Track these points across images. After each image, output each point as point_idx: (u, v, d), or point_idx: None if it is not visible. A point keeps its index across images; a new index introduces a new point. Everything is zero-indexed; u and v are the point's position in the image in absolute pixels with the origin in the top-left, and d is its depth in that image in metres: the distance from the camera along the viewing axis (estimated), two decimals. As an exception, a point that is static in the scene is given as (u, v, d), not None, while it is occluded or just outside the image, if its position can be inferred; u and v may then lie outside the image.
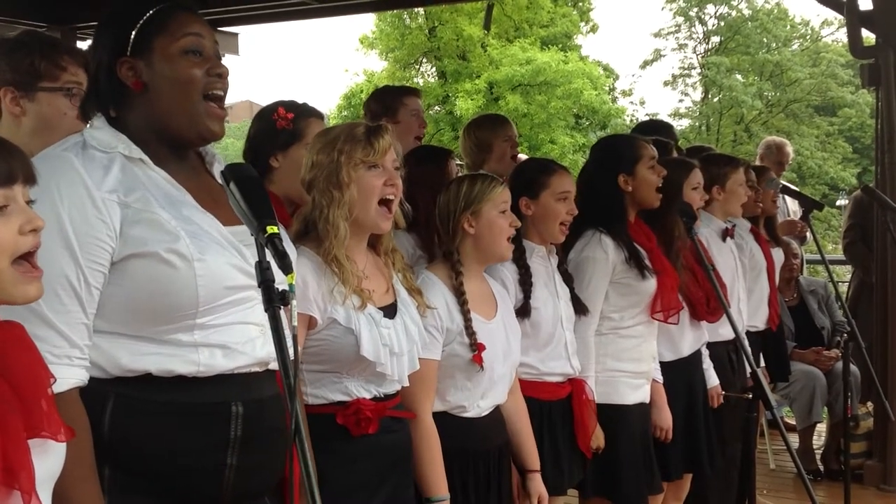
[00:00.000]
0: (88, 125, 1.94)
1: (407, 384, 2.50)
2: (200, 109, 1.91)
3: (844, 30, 5.74)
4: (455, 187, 2.95)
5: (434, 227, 3.02)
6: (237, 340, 1.87)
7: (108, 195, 1.78)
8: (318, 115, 2.95)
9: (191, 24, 1.93)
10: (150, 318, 1.80)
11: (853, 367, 5.60)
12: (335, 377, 2.37)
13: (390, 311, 2.46)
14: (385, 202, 2.41)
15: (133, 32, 1.90)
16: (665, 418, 3.66)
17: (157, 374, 1.80)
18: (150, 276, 1.78)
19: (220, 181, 1.96)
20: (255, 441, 1.88)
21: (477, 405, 2.85)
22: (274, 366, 1.94)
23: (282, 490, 2.01)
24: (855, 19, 5.48)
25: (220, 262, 1.84)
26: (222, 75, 1.94)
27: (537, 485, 3.01)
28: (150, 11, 1.91)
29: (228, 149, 31.61)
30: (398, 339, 2.40)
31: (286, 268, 1.58)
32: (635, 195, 3.52)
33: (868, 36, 5.61)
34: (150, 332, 1.80)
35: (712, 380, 4.00)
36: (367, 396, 2.39)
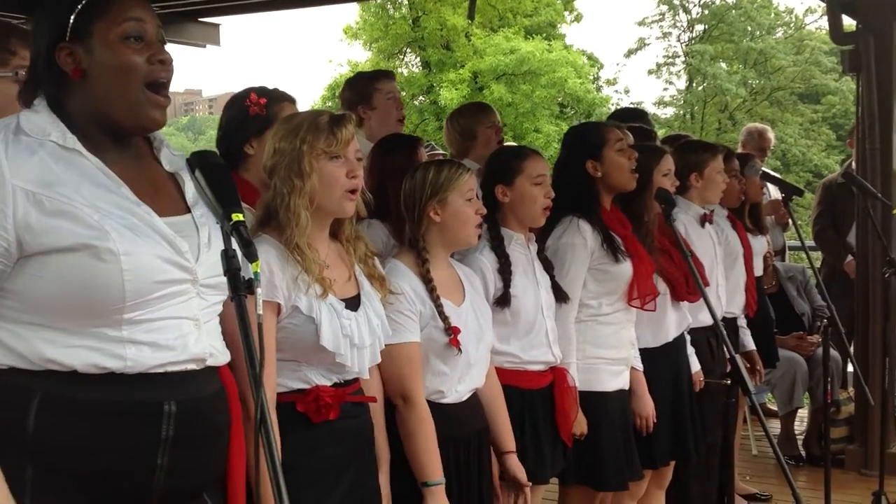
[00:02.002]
0: (30, 108, 1.89)
1: (367, 377, 2.50)
2: (141, 98, 1.85)
3: (827, 17, 5.75)
4: (421, 174, 2.92)
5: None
6: (169, 336, 1.81)
7: (22, 184, 1.73)
8: (291, 100, 2.93)
9: (132, 8, 1.87)
10: (75, 312, 1.74)
11: (833, 353, 5.63)
12: (294, 365, 2.36)
13: (354, 303, 2.45)
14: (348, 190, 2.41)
15: (72, 17, 1.84)
16: (645, 406, 3.66)
17: (83, 370, 1.74)
18: (74, 271, 1.72)
19: (167, 168, 1.94)
20: (190, 440, 1.83)
21: (455, 390, 2.85)
22: (213, 362, 1.91)
23: (225, 486, 1.97)
24: (835, 6, 5.49)
25: (150, 255, 1.78)
26: (165, 62, 1.88)
27: (514, 465, 3.01)
28: None
29: (213, 141, 31.48)
30: (359, 332, 2.39)
31: (251, 255, 1.57)
32: (607, 180, 3.52)
33: (849, 23, 5.62)
34: (75, 326, 1.75)
35: (695, 365, 4.01)
36: (328, 384, 2.39)
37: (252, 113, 2.82)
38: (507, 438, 3.03)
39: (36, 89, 1.89)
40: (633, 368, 3.63)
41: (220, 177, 1.70)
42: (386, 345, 2.56)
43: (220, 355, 1.94)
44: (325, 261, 2.40)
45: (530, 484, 3.06)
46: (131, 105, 1.85)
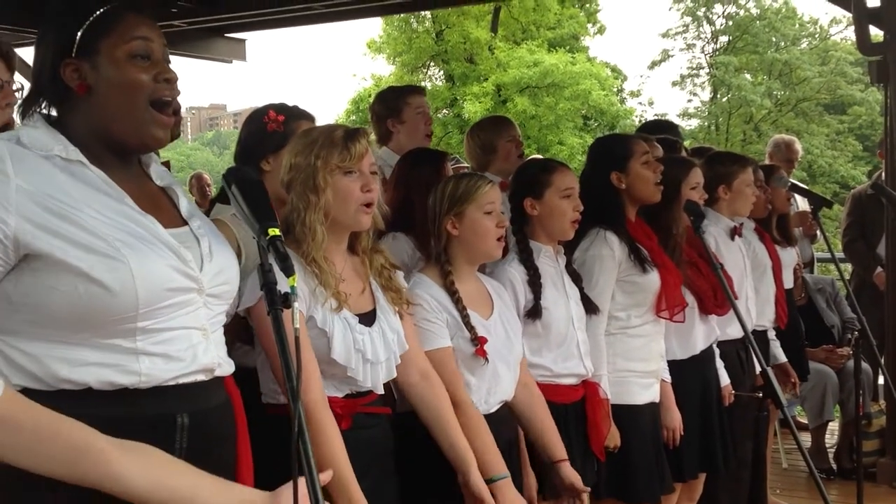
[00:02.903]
0: (24, 124, 1.88)
1: (382, 392, 2.49)
2: (146, 116, 1.85)
3: (853, 28, 5.72)
4: (441, 188, 2.94)
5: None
6: (179, 347, 1.81)
7: (26, 185, 1.72)
8: (309, 118, 2.94)
9: (139, 27, 1.87)
10: (90, 322, 1.73)
11: (865, 365, 5.58)
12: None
13: (369, 317, 2.45)
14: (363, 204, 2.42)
15: (79, 33, 1.83)
16: (673, 418, 3.64)
17: (98, 387, 1.73)
18: (88, 282, 1.71)
19: (158, 183, 1.95)
20: (201, 452, 1.83)
21: (484, 401, 2.85)
22: (220, 372, 1.91)
23: None
24: (862, 16, 5.46)
25: (158, 264, 1.78)
26: (170, 80, 1.88)
27: (569, 472, 2.99)
28: (98, 12, 1.85)
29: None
30: (373, 347, 2.40)
31: (288, 270, 1.58)
32: (632, 192, 3.52)
33: (876, 33, 5.59)
34: (90, 338, 1.74)
35: (724, 378, 3.99)
36: (339, 395, 2.39)
37: (270, 130, 2.83)
38: (559, 447, 3.01)
39: (37, 103, 1.89)
40: (661, 380, 3.61)
41: (256, 192, 1.72)
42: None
43: (226, 365, 1.95)
44: (340, 274, 2.41)
45: (588, 489, 3.04)
46: (136, 122, 1.85)
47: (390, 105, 4.33)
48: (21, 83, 2.50)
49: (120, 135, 1.86)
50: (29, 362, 1.73)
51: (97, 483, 1.57)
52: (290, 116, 2.87)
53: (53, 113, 1.89)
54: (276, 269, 1.63)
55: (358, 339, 2.37)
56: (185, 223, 1.94)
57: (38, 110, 1.88)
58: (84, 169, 1.82)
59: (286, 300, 1.55)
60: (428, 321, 2.74)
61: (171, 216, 1.91)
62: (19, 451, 1.53)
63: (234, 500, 1.68)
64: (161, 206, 1.91)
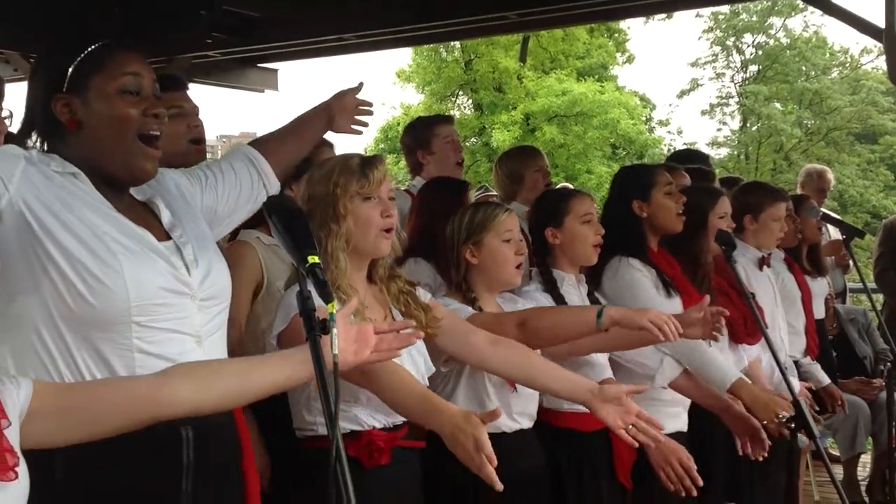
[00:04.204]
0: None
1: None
2: (134, 149, 1.92)
3: (884, 57, 5.71)
4: (458, 218, 2.97)
5: None
6: (174, 351, 1.85)
7: (33, 176, 1.81)
8: (328, 144, 3.01)
9: (130, 63, 1.94)
10: (85, 322, 1.79)
11: (898, 397, 5.51)
12: (344, 406, 2.35)
13: None
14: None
15: (70, 69, 1.90)
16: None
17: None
18: (80, 282, 1.78)
19: (139, 198, 2.02)
20: (208, 465, 1.87)
21: (513, 417, 2.87)
22: None
23: None
24: (893, 46, 5.44)
25: (150, 268, 1.85)
26: (158, 116, 1.95)
27: (614, 388, 2.62)
28: (89, 48, 1.91)
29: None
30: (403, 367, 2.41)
31: (326, 296, 1.61)
32: (653, 221, 3.54)
33: (907, 63, 5.56)
34: (87, 336, 1.80)
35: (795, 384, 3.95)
36: (378, 426, 2.40)
37: None
38: (581, 382, 2.68)
39: (30, 136, 1.96)
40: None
41: (297, 221, 1.76)
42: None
43: None
44: (363, 301, 2.43)
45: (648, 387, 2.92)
46: (125, 155, 1.92)
47: (419, 136, 4.37)
48: (10, 111, 2.58)
49: (109, 167, 1.93)
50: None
51: (156, 419, 1.67)
52: None
53: (45, 147, 1.96)
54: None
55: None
56: (168, 235, 1.99)
57: (32, 145, 1.96)
58: (78, 183, 1.89)
59: (324, 326, 1.57)
60: (448, 306, 2.75)
61: (156, 229, 1.97)
62: (85, 427, 1.61)
63: (280, 367, 1.74)
64: (149, 222, 1.98)
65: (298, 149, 2.45)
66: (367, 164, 2.45)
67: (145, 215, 2.01)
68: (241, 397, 1.75)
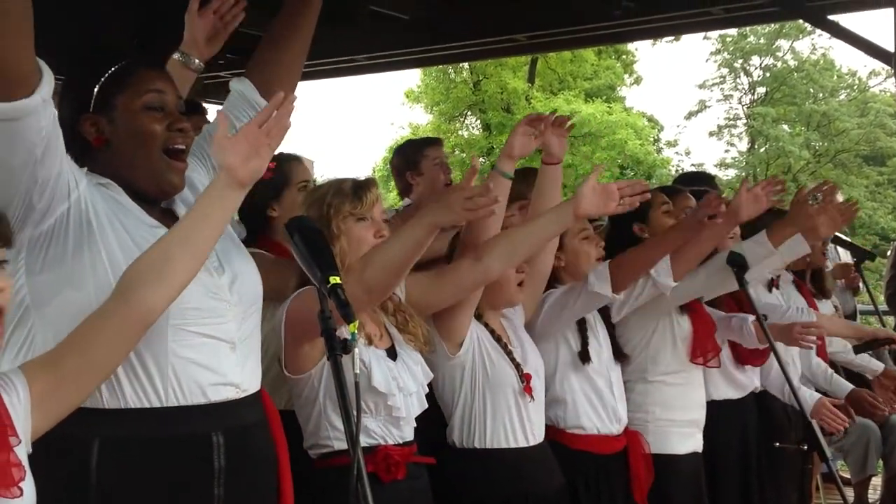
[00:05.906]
0: None
1: (415, 425, 2.53)
2: (161, 164, 1.96)
3: (892, 80, 5.73)
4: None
5: None
6: (207, 355, 1.87)
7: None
8: (296, 158, 3.08)
9: (153, 80, 1.98)
10: None
11: (909, 420, 5.50)
12: None
13: (391, 353, 2.51)
14: None
15: (95, 89, 1.94)
16: None
17: (135, 404, 1.79)
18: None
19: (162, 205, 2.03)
20: (241, 470, 1.88)
21: (528, 429, 2.89)
22: (247, 386, 1.95)
23: None
24: (902, 69, 5.46)
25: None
26: (183, 130, 1.98)
27: (583, 186, 2.73)
28: (114, 67, 1.95)
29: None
30: (403, 378, 2.45)
31: (349, 316, 1.62)
32: None
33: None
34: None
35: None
36: (391, 442, 2.42)
37: (266, 179, 2.94)
38: (560, 206, 2.85)
39: None
40: None
41: (318, 241, 1.78)
42: None
43: (256, 383, 2.00)
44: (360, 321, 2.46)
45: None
46: (153, 170, 1.96)
47: (408, 158, 4.41)
48: None
49: (139, 182, 1.96)
50: None
51: (148, 327, 1.69)
52: (280, 160, 3.01)
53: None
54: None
55: (392, 368, 2.43)
56: None
57: None
58: (111, 191, 1.93)
59: (346, 346, 1.59)
60: None
61: None
62: (91, 377, 1.64)
63: (210, 206, 1.76)
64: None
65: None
66: (359, 186, 2.50)
67: (171, 224, 2.02)
68: (200, 259, 1.74)
